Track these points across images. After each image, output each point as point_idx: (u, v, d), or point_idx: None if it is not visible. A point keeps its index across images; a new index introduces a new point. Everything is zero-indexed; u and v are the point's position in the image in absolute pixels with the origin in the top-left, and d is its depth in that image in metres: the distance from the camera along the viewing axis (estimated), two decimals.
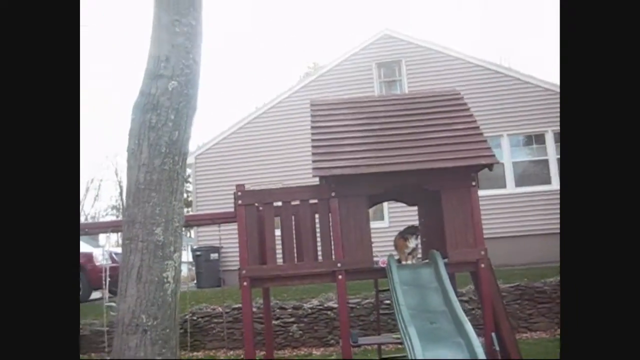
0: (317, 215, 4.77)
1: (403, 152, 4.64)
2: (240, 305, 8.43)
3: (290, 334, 8.76)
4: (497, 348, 4.45)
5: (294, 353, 8.48)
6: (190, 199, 17.01)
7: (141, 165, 2.64)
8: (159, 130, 2.67)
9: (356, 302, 8.76)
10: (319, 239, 4.71)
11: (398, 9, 46.35)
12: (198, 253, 12.53)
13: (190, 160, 14.43)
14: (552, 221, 11.04)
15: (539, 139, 12.84)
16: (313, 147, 4.79)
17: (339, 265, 4.54)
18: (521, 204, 12.20)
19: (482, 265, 4.56)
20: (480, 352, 3.46)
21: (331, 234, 4.63)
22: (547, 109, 12.26)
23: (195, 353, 8.76)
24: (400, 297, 4.09)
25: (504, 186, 12.48)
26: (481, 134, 4.79)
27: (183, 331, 8.95)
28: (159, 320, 2.47)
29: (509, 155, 12.56)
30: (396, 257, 4.86)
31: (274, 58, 56.84)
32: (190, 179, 14.66)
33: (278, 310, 8.99)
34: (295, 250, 4.80)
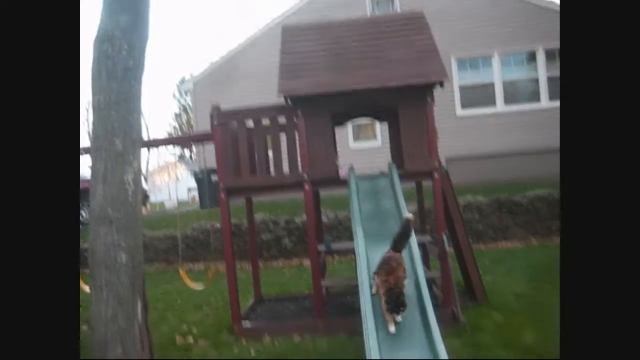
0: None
1: (362, 72, 4.98)
2: (236, 221, 9.08)
3: (283, 246, 9.44)
4: (447, 248, 5.01)
5: (286, 263, 9.20)
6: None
7: (101, 89, 3.10)
8: (115, 59, 3.11)
9: (345, 215, 9.33)
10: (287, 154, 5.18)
11: None
12: (199, 176, 12.99)
13: (188, 86, 14.70)
14: (539, 139, 11.33)
15: (531, 56, 12.90)
16: (280, 70, 5.14)
17: (305, 176, 5.03)
18: (510, 123, 12.45)
19: (436, 176, 5.01)
20: (414, 243, 3.99)
21: (297, 149, 5.09)
22: (540, 26, 12.21)
23: (196, 264, 9.54)
24: (355, 204, 4.60)
25: (494, 104, 12.70)
26: (436, 53, 5.09)
27: (185, 246, 9.74)
28: (122, 214, 3.03)
29: (499, 73, 12.65)
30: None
31: None
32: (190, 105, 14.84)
33: (272, 225, 9.62)
34: (266, 164, 5.29)
